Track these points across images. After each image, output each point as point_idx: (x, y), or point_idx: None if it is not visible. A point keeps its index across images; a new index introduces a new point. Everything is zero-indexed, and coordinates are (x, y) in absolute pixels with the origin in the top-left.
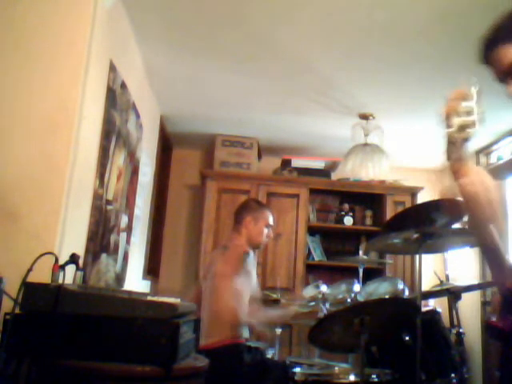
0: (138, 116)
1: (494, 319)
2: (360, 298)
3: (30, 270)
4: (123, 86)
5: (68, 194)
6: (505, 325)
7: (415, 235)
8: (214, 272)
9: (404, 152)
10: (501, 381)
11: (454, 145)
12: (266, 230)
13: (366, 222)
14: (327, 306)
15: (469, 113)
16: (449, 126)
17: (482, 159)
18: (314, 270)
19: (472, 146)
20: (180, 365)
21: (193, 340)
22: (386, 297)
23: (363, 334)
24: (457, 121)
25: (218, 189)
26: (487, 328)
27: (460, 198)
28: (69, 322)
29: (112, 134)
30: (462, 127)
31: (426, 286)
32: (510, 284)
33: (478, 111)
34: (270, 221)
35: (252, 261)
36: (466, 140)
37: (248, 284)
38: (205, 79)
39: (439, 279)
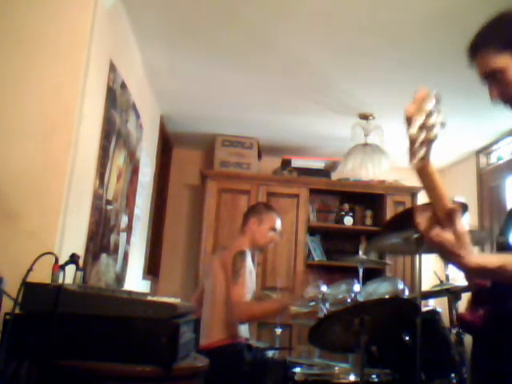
0: (138, 116)
1: (464, 313)
2: (360, 298)
3: (29, 270)
4: (123, 86)
5: (68, 194)
6: (474, 318)
7: (415, 235)
8: (213, 273)
9: (404, 152)
10: (471, 371)
11: (415, 144)
12: (270, 234)
13: (366, 222)
14: (327, 305)
15: (431, 113)
16: (411, 124)
17: (482, 159)
18: (314, 270)
19: (472, 145)
20: (180, 365)
21: (193, 340)
22: (386, 297)
23: (363, 334)
24: (419, 120)
25: (218, 189)
26: (458, 321)
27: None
28: (69, 322)
29: (112, 133)
30: (424, 127)
31: (426, 286)
32: (480, 280)
33: (440, 114)
34: (276, 225)
35: (250, 260)
36: (430, 141)
37: (248, 283)
38: (205, 79)
39: (439, 279)
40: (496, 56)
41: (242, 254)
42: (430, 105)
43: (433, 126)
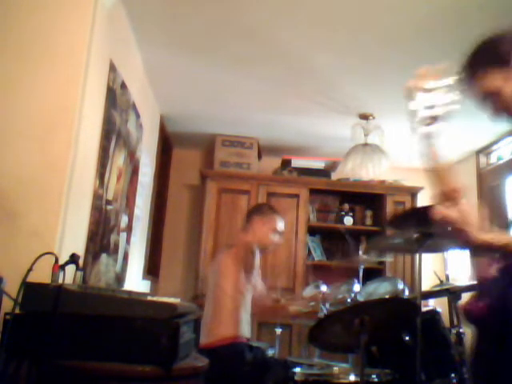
0: (138, 116)
1: (468, 304)
2: (360, 298)
3: (29, 270)
4: (123, 86)
5: (68, 194)
6: (477, 309)
7: (415, 235)
8: (218, 270)
9: (404, 152)
10: (472, 359)
11: (416, 121)
12: (272, 235)
13: (366, 222)
14: (327, 306)
15: (436, 90)
16: (411, 99)
17: (482, 159)
18: (314, 270)
19: (472, 145)
20: (180, 365)
21: (193, 340)
22: (386, 297)
23: (363, 333)
24: (420, 96)
25: (218, 189)
26: (462, 312)
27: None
28: (69, 321)
29: (112, 134)
30: (426, 104)
31: (426, 286)
32: (484, 272)
33: (455, 91)
34: (278, 226)
35: (257, 258)
36: (444, 112)
37: (253, 280)
38: (205, 79)
39: (439, 279)
40: (490, 76)
41: (251, 250)
42: (436, 82)
43: (447, 99)
